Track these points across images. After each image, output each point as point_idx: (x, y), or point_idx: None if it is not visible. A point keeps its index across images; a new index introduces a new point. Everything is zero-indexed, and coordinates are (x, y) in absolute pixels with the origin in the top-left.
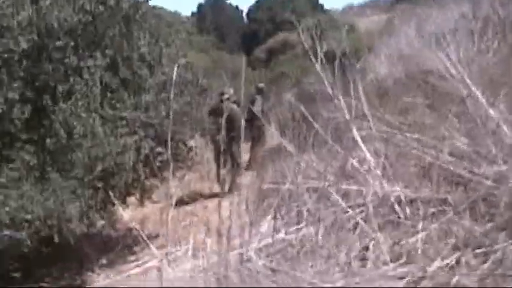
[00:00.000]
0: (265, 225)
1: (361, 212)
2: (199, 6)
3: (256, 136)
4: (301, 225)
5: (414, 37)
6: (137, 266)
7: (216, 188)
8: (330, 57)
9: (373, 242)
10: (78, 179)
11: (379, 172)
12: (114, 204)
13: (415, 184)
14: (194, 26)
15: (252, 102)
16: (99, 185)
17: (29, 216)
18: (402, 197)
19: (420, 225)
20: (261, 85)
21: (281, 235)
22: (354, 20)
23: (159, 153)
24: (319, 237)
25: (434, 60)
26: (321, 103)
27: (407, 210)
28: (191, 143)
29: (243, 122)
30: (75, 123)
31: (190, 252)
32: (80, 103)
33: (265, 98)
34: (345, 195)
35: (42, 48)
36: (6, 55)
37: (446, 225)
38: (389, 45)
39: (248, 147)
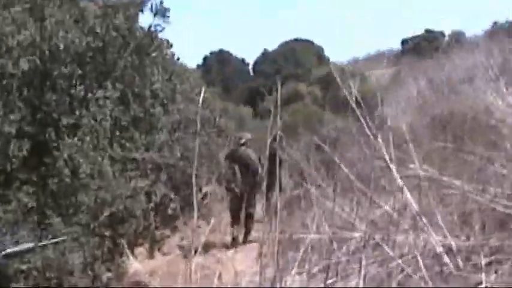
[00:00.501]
0: (291, 280)
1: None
2: (205, 58)
3: (273, 184)
4: (334, 279)
5: (428, 85)
6: None
7: (229, 239)
8: (345, 105)
9: None
10: (82, 225)
11: (425, 220)
12: (122, 255)
13: (457, 232)
14: (200, 78)
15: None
16: (106, 232)
17: (24, 267)
18: (453, 247)
19: (477, 277)
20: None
21: None
22: (362, 72)
23: (171, 200)
24: None
25: (463, 104)
26: (344, 149)
27: (459, 260)
28: (207, 188)
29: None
30: (81, 160)
31: None
32: (87, 138)
33: (281, 146)
34: (378, 245)
35: (45, 75)
36: (4, 81)
37: (506, 276)
38: (402, 95)
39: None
